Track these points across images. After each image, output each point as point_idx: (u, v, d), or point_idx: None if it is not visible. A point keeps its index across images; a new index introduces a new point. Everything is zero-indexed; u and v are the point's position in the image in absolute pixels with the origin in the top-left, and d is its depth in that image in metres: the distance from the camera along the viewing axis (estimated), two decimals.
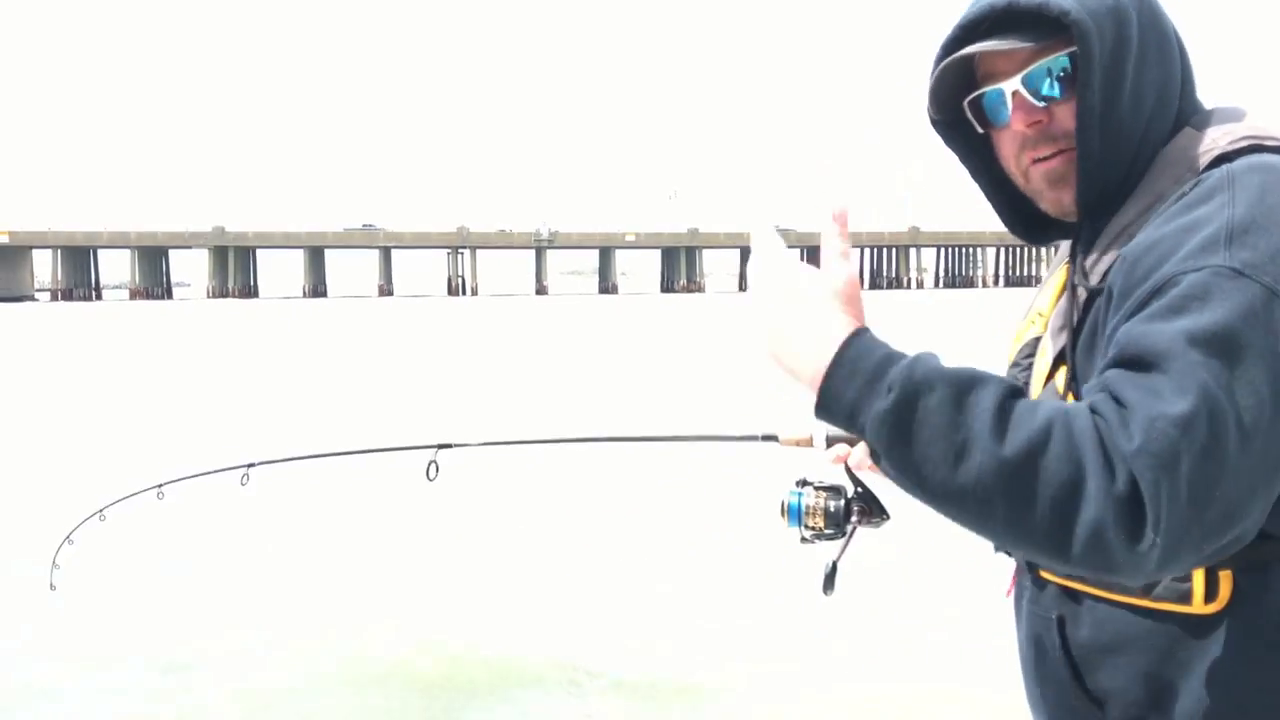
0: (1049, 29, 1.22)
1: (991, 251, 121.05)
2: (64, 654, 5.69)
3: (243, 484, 2.20)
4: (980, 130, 1.35)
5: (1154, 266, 1.09)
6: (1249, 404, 0.99)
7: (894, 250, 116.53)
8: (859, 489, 1.54)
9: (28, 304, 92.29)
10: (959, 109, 1.35)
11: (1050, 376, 1.27)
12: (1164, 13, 1.26)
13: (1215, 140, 1.21)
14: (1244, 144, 1.19)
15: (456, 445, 1.97)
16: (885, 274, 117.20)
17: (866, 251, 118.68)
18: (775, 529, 1.55)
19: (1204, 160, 1.19)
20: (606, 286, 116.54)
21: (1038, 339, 1.35)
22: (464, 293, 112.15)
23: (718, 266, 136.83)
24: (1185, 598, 1.16)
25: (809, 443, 1.65)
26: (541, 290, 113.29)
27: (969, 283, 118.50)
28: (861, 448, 1.51)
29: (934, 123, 1.39)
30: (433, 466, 1.88)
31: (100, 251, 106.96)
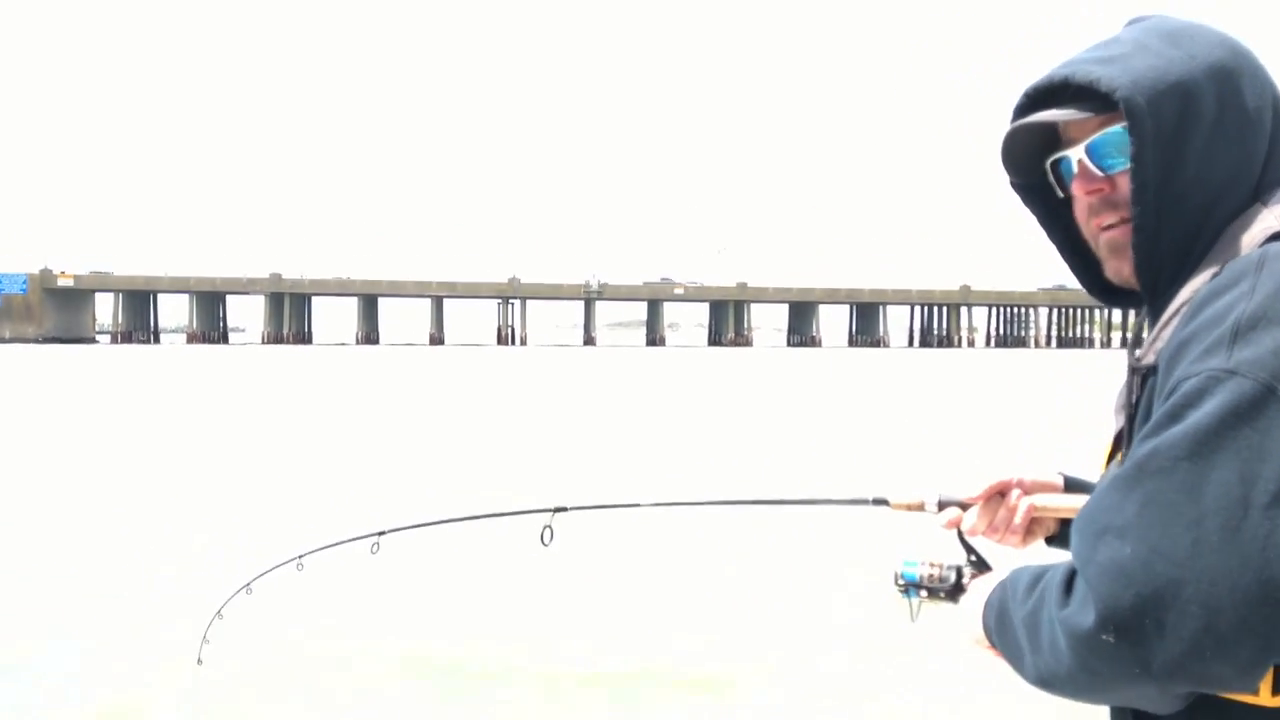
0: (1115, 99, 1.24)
1: (1044, 312, 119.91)
2: None
3: (373, 552, 2.26)
4: (1061, 194, 1.39)
5: (1176, 367, 1.10)
6: (1216, 505, 1.00)
7: (944, 308, 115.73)
8: (973, 556, 1.55)
9: (89, 345, 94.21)
10: (1039, 172, 1.39)
11: (1111, 456, 1.30)
12: (1255, 87, 1.22)
13: (1278, 217, 1.18)
14: None
15: (572, 509, 2.00)
16: (935, 332, 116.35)
17: (916, 309, 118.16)
18: (886, 597, 1.58)
19: (1258, 238, 1.17)
20: (654, 339, 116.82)
21: None
22: (513, 342, 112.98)
23: (765, 320, 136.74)
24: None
25: (920, 507, 1.64)
26: (590, 341, 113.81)
27: (1020, 342, 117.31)
28: (975, 512, 1.58)
29: (1012, 185, 1.43)
30: (547, 531, 1.92)
31: (160, 295, 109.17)
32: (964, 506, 1.58)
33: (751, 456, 16.46)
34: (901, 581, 1.57)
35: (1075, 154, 1.29)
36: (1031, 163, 1.37)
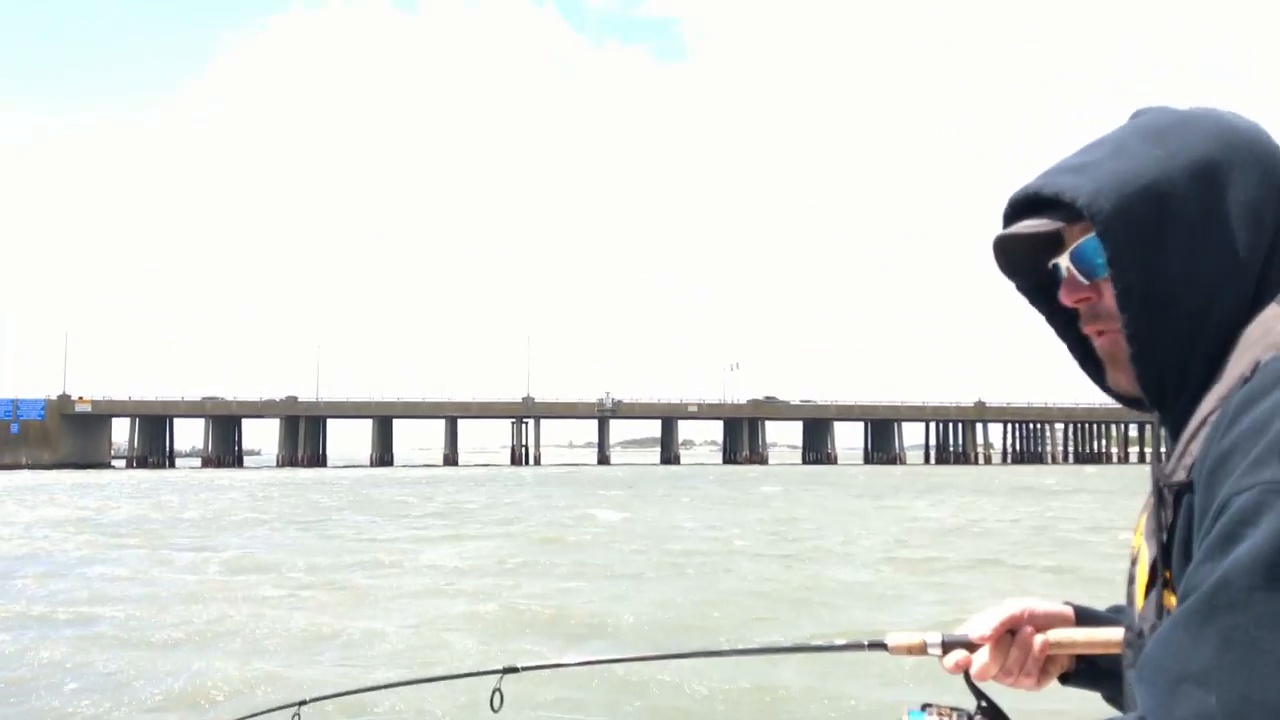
0: None
1: (1060, 427, 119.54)
2: None
3: None
4: None
5: (1221, 482, 1.01)
6: None
7: (960, 424, 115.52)
8: (982, 703, 1.44)
9: (106, 471, 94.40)
10: (1044, 276, 1.32)
11: (1149, 586, 1.17)
12: (1249, 179, 1.16)
13: None
14: None
15: (524, 669, 1.82)
16: (952, 448, 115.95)
17: (932, 425, 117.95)
18: None
19: None
20: (669, 456, 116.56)
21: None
22: (527, 461, 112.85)
23: (780, 437, 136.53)
24: None
25: (922, 649, 1.50)
26: (604, 459, 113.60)
27: (1038, 458, 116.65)
28: (985, 653, 1.47)
29: (1019, 289, 1.37)
30: (496, 695, 1.77)
31: (175, 420, 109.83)
32: (971, 647, 1.47)
33: (756, 595, 15.18)
34: None
35: (1063, 261, 1.25)
36: (1036, 266, 1.32)
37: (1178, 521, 1.08)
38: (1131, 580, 1.22)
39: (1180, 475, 1.09)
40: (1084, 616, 1.50)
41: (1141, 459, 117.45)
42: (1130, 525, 1.31)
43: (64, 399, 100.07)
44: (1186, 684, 0.93)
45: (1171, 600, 1.09)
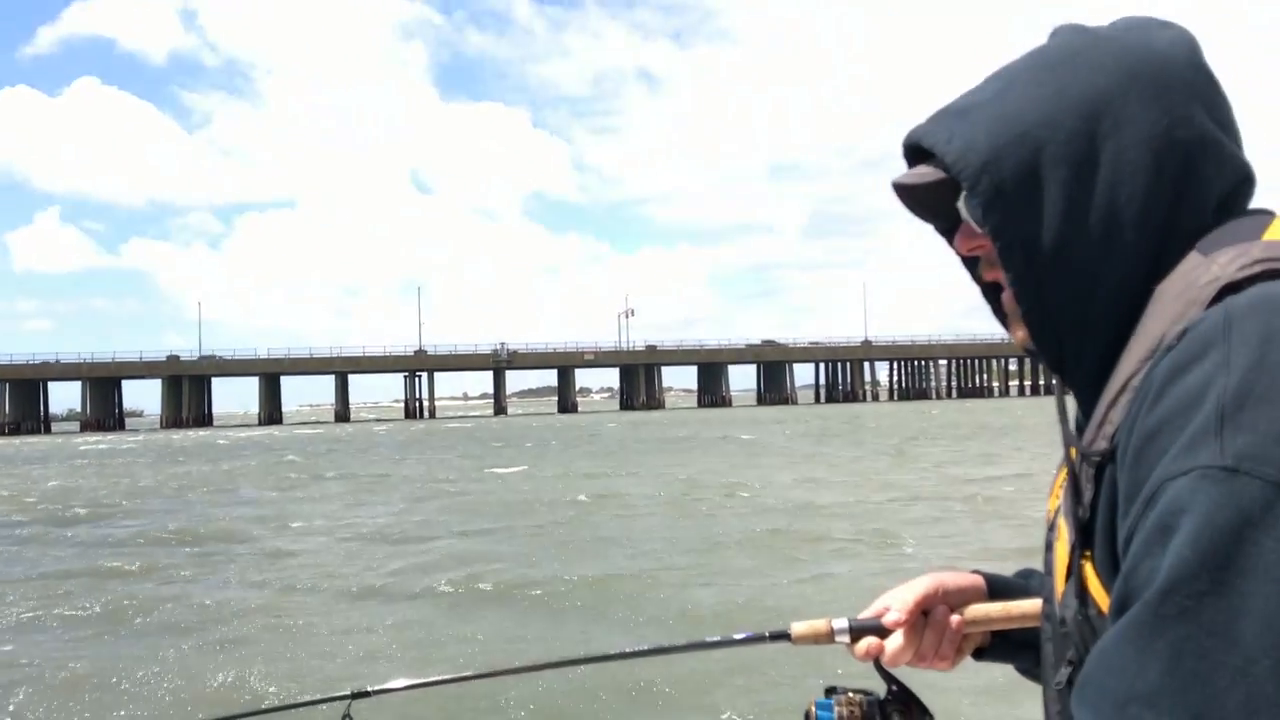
0: None
1: (944, 364, 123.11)
2: None
3: None
4: None
5: (1149, 463, 0.90)
6: (1261, 643, 0.79)
7: (849, 364, 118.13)
8: (893, 687, 1.39)
9: None
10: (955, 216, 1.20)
11: (1069, 571, 1.05)
12: (1154, 112, 1.03)
13: (1223, 266, 0.97)
14: (1256, 269, 0.95)
15: (376, 692, 1.74)
16: (840, 387, 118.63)
17: (822, 366, 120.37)
18: None
19: (1206, 294, 0.96)
20: (566, 405, 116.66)
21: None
22: (421, 415, 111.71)
23: (675, 382, 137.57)
24: None
25: (828, 637, 1.43)
26: (501, 410, 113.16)
27: (923, 394, 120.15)
28: (897, 638, 1.39)
29: (936, 230, 1.26)
30: None
31: (50, 384, 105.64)
32: (882, 632, 1.39)
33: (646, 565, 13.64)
34: None
35: (960, 206, 1.12)
36: (949, 206, 1.18)
37: (1100, 497, 0.99)
38: (1049, 548, 1.13)
39: (1102, 444, 0.99)
40: (996, 587, 1.43)
41: (1021, 392, 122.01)
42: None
43: None
44: (1134, 706, 0.84)
45: (1094, 583, 1.00)
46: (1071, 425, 1.08)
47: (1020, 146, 1.04)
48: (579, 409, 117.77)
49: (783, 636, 1.46)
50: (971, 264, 1.21)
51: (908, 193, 1.18)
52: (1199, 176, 1.02)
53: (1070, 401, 1.11)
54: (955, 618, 1.38)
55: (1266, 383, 0.85)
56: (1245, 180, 1.05)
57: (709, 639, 1.59)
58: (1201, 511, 0.83)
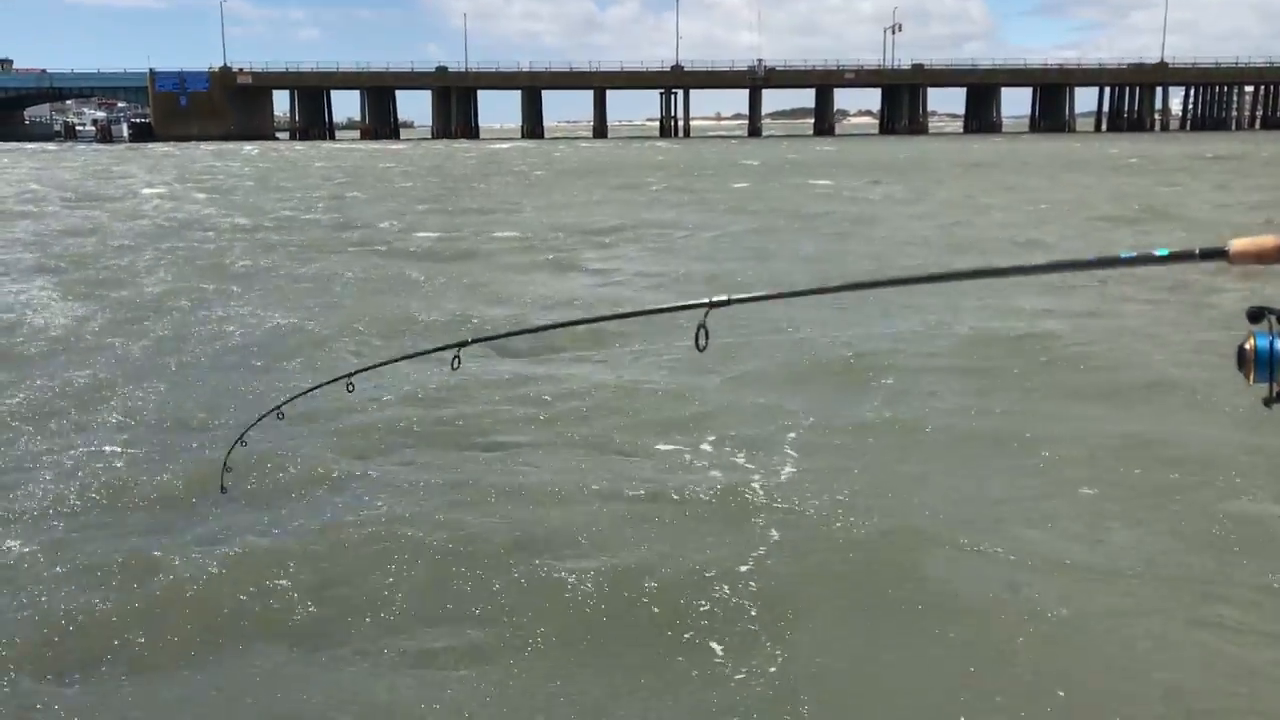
0: None
1: (1249, 90, 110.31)
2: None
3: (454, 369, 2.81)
4: None
5: None
6: None
7: (1139, 89, 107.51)
8: None
9: (271, 143, 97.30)
10: None
11: None
12: None
13: None
14: None
15: (733, 300, 1.90)
16: (1125, 114, 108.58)
17: (1107, 90, 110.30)
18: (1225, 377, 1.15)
19: None
20: (823, 127, 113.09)
21: None
22: (676, 134, 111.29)
23: (940, 106, 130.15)
24: None
25: (1274, 255, 1.17)
26: (755, 131, 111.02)
27: (1221, 124, 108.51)
28: None
29: None
30: (701, 331, 1.83)
31: (333, 92, 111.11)
32: None
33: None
34: (1253, 366, 1.13)
35: None
36: None
37: None
38: None
39: None
40: None
41: None
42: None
43: (225, 71, 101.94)
44: None
45: None
46: None
47: None
48: (835, 132, 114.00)
49: (1218, 254, 1.20)
50: None
51: None
52: None
53: None
54: None
55: None
56: None
57: (1123, 254, 1.36)
58: None
